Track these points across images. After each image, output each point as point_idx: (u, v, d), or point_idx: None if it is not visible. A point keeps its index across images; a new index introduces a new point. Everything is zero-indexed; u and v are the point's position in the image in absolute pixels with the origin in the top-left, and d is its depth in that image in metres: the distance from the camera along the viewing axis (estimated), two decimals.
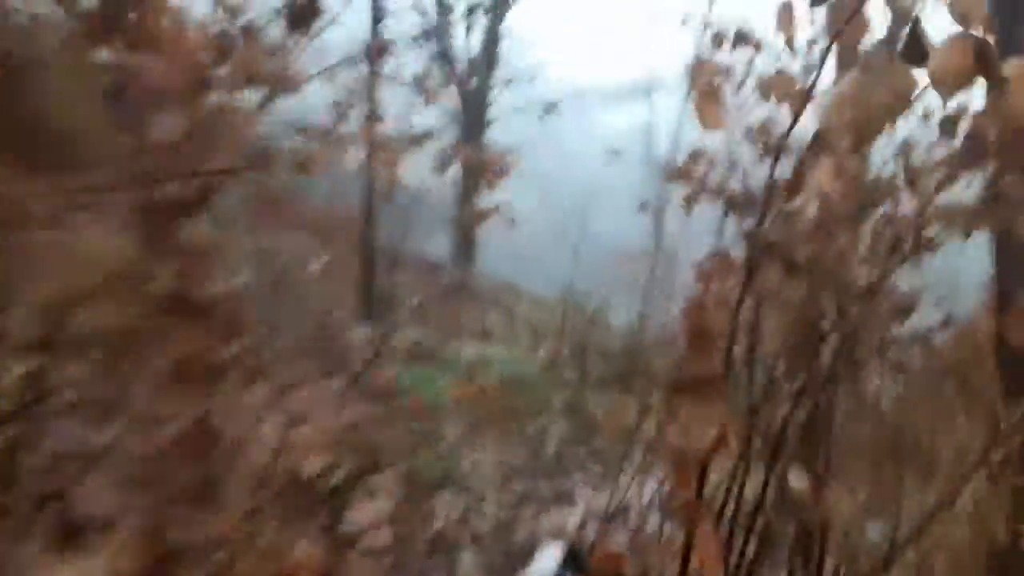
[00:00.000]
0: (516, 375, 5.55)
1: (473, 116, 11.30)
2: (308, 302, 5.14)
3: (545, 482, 3.88)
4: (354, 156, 4.75)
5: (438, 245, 11.42)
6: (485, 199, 6.15)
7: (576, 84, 13.12)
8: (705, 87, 2.39)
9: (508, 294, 10.00)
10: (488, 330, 7.09)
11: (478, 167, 6.12)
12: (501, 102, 12.03)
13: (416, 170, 5.19)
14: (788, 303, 2.17)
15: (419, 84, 4.19)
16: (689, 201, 4.01)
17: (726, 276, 2.25)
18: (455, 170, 7.08)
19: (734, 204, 3.95)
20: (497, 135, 11.67)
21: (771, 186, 2.17)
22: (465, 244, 10.94)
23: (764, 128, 3.06)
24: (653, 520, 3.68)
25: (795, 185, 2.01)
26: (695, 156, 4.21)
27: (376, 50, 3.89)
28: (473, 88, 11.39)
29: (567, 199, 12.93)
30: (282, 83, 3.17)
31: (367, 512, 2.71)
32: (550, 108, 9.04)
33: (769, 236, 2.08)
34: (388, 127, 4.51)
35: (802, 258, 2.09)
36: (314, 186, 5.75)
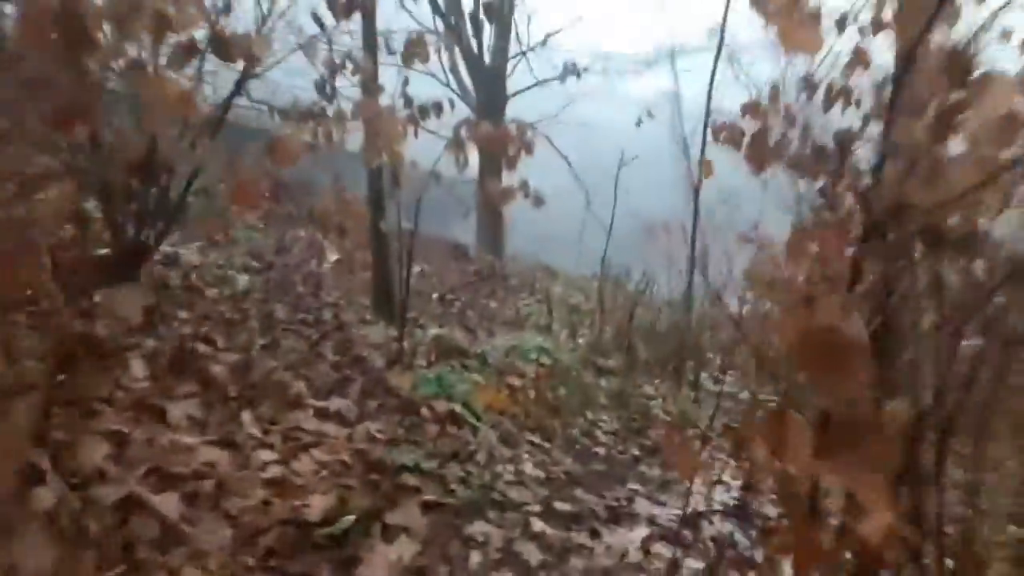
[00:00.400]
0: (555, 365, 5.01)
1: (489, 93, 10.70)
2: (319, 299, 4.65)
3: (598, 493, 3.33)
4: (355, 136, 4.23)
5: (464, 230, 10.91)
6: (508, 178, 5.61)
7: (595, 53, 12.46)
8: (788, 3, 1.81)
9: (541, 276, 9.45)
10: (521, 317, 6.55)
11: (498, 144, 5.55)
12: (518, 77, 11.42)
13: (430, 151, 4.65)
14: (932, 283, 1.58)
15: (411, 49, 3.61)
16: (757, 160, 3.39)
17: (833, 253, 1.66)
18: (473, 149, 6.55)
19: (816, 159, 3.31)
20: (516, 112, 11.06)
21: (889, 132, 1.57)
22: (492, 227, 10.40)
23: (858, 60, 2.44)
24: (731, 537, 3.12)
25: (944, 126, 1.42)
26: (751, 109, 3.57)
27: (343, 5, 3.30)
28: (487, 64, 10.78)
29: (595, 173, 12.31)
30: (245, 52, 2.61)
31: (384, 561, 2.19)
32: (571, 71, 8.39)
33: (901, 197, 1.49)
34: (388, 102, 3.96)
35: (950, 221, 1.50)
36: (317, 172, 5.24)
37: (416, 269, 6.78)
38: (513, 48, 10.99)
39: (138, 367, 2.70)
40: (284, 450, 2.60)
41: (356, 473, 2.64)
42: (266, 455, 2.52)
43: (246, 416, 2.70)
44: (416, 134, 3.88)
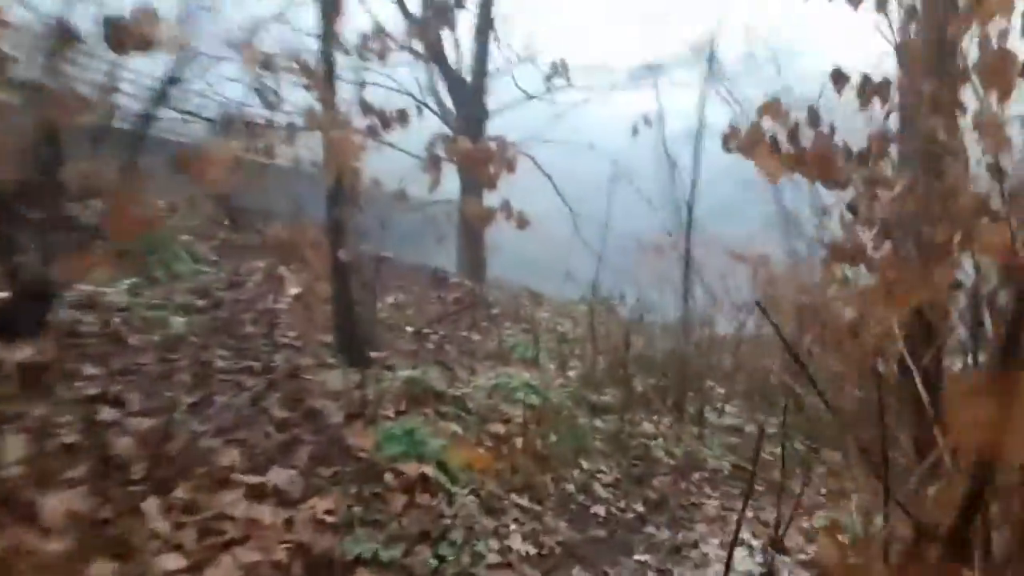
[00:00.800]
0: (544, 405, 4.44)
1: (469, 110, 10.18)
2: (271, 341, 4.06)
3: (599, 571, 2.76)
4: (311, 152, 3.70)
5: (445, 256, 10.35)
6: (490, 198, 5.11)
7: (579, 68, 12.04)
8: None
9: (526, 302, 8.89)
10: (506, 349, 5.98)
11: (478, 162, 5.02)
12: (498, 96, 10.94)
13: (398, 168, 4.12)
14: None
15: (368, 45, 3.09)
16: (793, 166, 2.88)
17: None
18: (451, 168, 6.08)
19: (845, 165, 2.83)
20: (497, 131, 10.57)
21: None
22: (473, 251, 9.84)
23: None
24: None
25: None
26: (771, 109, 3.05)
27: None
28: (467, 80, 10.28)
29: (579, 193, 11.83)
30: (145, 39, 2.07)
31: None
32: (558, 71, 7.88)
33: None
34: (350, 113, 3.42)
35: None
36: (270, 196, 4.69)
37: (389, 300, 6.22)
38: (493, 65, 10.53)
39: (17, 446, 2.12)
40: (198, 551, 2.02)
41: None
42: (171, 561, 1.93)
43: (152, 505, 2.12)
44: (378, 147, 3.34)
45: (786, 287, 7.13)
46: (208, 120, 2.88)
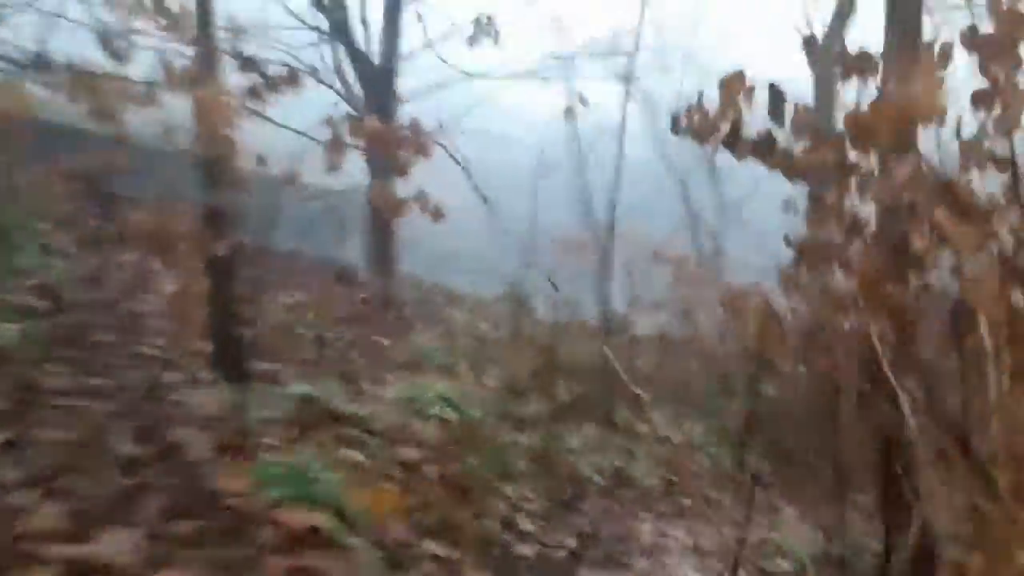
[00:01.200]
0: (462, 421, 3.93)
1: (378, 96, 9.45)
2: (132, 352, 3.37)
3: None
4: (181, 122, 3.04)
5: (350, 251, 9.65)
6: (402, 187, 4.56)
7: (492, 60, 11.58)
8: None
9: (441, 301, 8.33)
10: (419, 356, 5.41)
11: (388, 145, 4.44)
12: (416, 75, 10.27)
13: (299, 151, 3.51)
14: None
15: None
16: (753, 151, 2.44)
17: None
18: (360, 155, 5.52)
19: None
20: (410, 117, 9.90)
21: None
22: (382, 245, 9.14)
23: None
24: None
25: None
26: (736, 83, 2.60)
27: None
28: (376, 64, 9.56)
29: (495, 187, 11.37)
30: None
31: None
32: (484, 30, 7.33)
33: None
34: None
35: None
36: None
37: (285, 300, 5.54)
38: (404, 49, 9.84)
39: None
40: None
41: None
42: None
43: None
44: (260, 115, 2.72)
45: (713, 288, 6.86)
46: (24, 67, 2.19)
